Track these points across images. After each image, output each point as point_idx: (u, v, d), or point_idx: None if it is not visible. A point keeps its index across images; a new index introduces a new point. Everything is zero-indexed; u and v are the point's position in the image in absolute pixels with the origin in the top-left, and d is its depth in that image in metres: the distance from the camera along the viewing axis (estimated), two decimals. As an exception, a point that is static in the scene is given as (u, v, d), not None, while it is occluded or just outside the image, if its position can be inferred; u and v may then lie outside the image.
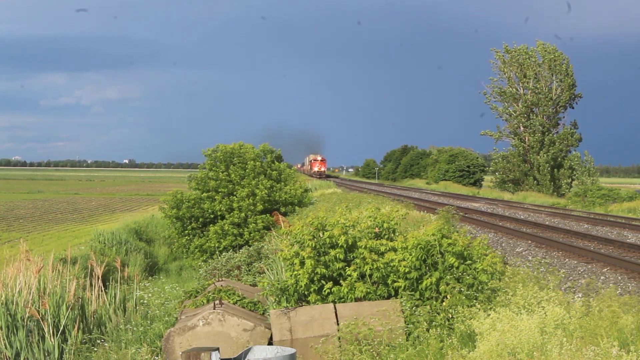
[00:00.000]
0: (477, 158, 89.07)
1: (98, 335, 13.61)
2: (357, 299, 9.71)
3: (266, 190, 30.62)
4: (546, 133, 61.37)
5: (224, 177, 31.39)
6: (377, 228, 10.58)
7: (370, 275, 9.84)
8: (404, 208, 17.48)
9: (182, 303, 12.45)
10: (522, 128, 62.70)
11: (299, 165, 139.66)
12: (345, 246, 10.00)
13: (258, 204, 30.12)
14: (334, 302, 9.70)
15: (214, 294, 11.20)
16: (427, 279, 9.41)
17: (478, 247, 9.83)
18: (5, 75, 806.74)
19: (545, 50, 61.97)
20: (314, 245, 10.07)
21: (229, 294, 11.16)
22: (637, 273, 13.81)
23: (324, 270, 9.89)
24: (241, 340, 9.54)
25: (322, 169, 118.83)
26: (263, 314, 10.78)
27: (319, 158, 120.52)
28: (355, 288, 9.67)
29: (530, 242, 19.69)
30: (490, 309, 8.20)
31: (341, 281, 9.90)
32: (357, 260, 9.88)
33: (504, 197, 53.49)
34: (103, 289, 15.43)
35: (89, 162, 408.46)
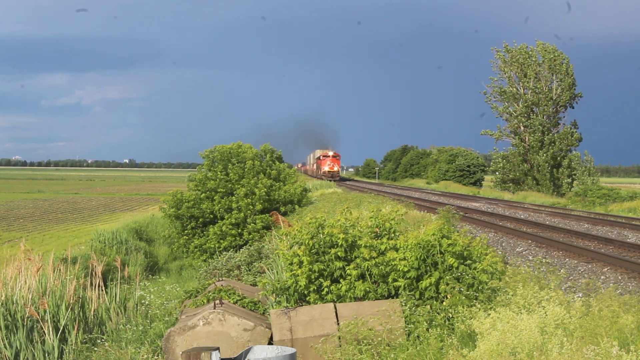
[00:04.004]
0: (477, 158, 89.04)
1: (98, 335, 13.62)
2: (357, 299, 9.71)
3: (265, 189, 30.61)
4: (546, 133, 61.35)
5: (222, 177, 31.41)
6: (377, 228, 10.59)
7: (371, 275, 9.84)
8: (404, 208, 17.47)
9: (182, 303, 12.45)
10: (522, 128, 62.68)
11: (299, 165, 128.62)
12: (344, 245, 10.00)
13: (257, 204, 30.11)
14: (333, 301, 9.70)
15: (214, 293, 11.20)
16: (427, 278, 9.41)
17: (478, 246, 9.83)
18: (5, 75, 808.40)
19: (545, 50, 61.97)
20: (312, 245, 10.08)
21: (229, 294, 11.16)
22: (637, 273, 13.80)
23: (321, 266, 9.90)
24: (241, 340, 9.54)
25: (335, 168, 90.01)
26: (263, 313, 10.78)
27: (330, 154, 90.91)
28: (355, 287, 9.68)
29: (530, 241, 19.68)
30: (491, 308, 8.20)
31: (341, 280, 9.91)
32: (358, 260, 9.89)
33: (504, 196, 53.47)
34: (103, 288, 15.43)
35: (89, 162, 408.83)
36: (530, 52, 62.52)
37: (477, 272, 9.32)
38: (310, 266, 9.87)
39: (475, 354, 7.05)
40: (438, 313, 8.91)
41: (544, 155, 60.52)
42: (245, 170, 31.67)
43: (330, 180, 76.44)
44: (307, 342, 9.01)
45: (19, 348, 12.81)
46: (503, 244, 19.44)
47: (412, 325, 8.80)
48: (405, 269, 9.51)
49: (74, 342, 13.03)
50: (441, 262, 9.55)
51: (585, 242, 19.47)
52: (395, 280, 9.66)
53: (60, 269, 15.22)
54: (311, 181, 62.84)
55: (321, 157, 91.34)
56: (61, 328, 13.12)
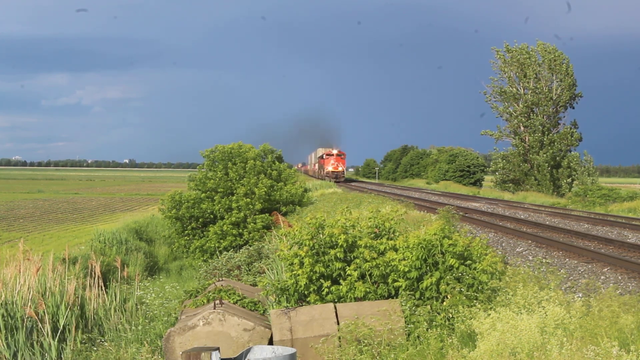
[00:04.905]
0: (477, 158, 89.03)
1: (98, 335, 13.61)
2: (357, 299, 9.71)
3: (265, 189, 30.59)
4: (546, 133, 61.35)
5: (221, 177, 31.40)
6: (376, 229, 10.58)
7: (371, 275, 9.84)
8: (404, 208, 17.47)
9: (182, 303, 12.45)
10: (522, 128, 62.68)
11: (299, 165, 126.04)
12: (345, 245, 10.00)
13: (257, 203, 30.09)
14: (333, 301, 9.70)
15: (214, 293, 11.20)
16: (428, 278, 9.41)
17: (478, 247, 9.83)
18: (5, 75, 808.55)
19: (546, 50, 61.98)
20: (312, 245, 10.08)
21: (229, 294, 11.16)
22: (637, 273, 13.79)
23: (323, 269, 9.90)
24: (241, 340, 9.54)
25: (340, 168, 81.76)
26: (263, 313, 10.78)
27: (334, 152, 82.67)
28: (355, 288, 9.67)
29: (530, 241, 19.67)
30: (491, 308, 8.20)
31: (341, 281, 9.90)
32: (357, 260, 9.88)
33: (504, 197, 53.46)
34: (103, 288, 15.43)
35: (89, 162, 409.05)
36: (530, 52, 62.52)
37: (477, 272, 9.32)
38: (312, 267, 9.86)
39: (475, 354, 7.05)
40: (438, 313, 8.91)
41: (544, 155, 60.52)
42: (247, 170, 31.67)
43: (335, 182, 70.43)
44: (307, 342, 9.01)
45: (17, 348, 12.79)
46: (503, 244, 19.43)
47: (412, 325, 8.80)
48: (406, 269, 9.51)
49: (73, 342, 13.02)
50: (442, 262, 9.54)
51: (585, 242, 19.47)
52: (395, 280, 9.66)
53: (59, 269, 15.21)
54: (311, 181, 62.60)
55: (324, 156, 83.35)
56: (61, 328, 13.11)
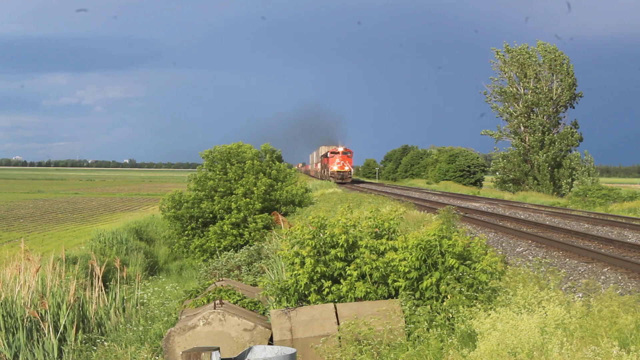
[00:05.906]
0: (478, 158, 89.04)
1: (98, 335, 13.62)
2: (357, 299, 9.71)
3: (264, 188, 30.57)
4: (546, 133, 61.37)
5: (220, 176, 31.40)
6: (376, 228, 10.59)
7: (371, 275, 9.84)
8: (403, 208, 17.47)
9: (182, 303, 12.46)
10: (522, 128, 62.70)
11: (300, 165, 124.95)
12: (345, 245, 10.00)
13: (256, 203, 30.07)
14: (334, 301, 9.70)
15: (214, 293, 11.21)
16: (428, 279, 9.41)
17: (477, 247, 9.83)
18: (5, 75, 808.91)
19: (546, 50, 62.00)
20: (314, 245, 10.08)
21: (230, 294, 11.17)
22: (637, 273, 13.80)
23: (324, 269, 9.90)
24: (241, 340, 9.54)
25: (346, 168, 73.26)
26: (263, 313, 10.78)
27: (340, 150, 73.53)
28: (355, 287, 9.68)
29: (530, 241, 19.68)
30: (491, 308, 8.20)
31: (341, 281, 9.91)
32: (358, 260, 9.88)
33: (504, 197, 53.46)
34: (103, 288, 15.44)
35: (89, 162, 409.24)
36: (530, 52, 62.53)
37: (477, 272, 9.32)
38: (313, 267, 9.86)
39: (475, 354, 7.05)
40: (438, 313, 8.91)
41: (544, 155, 60.55)
42: (245, 169, 31.66)
43: (340, 183, 64.19)
44: (307, 342, 9.02)
45: (18, 348, 12.80)
46: (503, 244, 19.44)
47: (412, 325, 8.80)
48: (406, 270, 9.51)
49: (73, 342, 13.03)
50: (441, 262, 9.54)
51: (585, 242, 19.47)
52: (395, 280, 9.66)
53: (60, 269, 15.22)
54: (311, 181, 62.35)
55: (328, 154, 74.08)
56: (61, 328, 13.12)
